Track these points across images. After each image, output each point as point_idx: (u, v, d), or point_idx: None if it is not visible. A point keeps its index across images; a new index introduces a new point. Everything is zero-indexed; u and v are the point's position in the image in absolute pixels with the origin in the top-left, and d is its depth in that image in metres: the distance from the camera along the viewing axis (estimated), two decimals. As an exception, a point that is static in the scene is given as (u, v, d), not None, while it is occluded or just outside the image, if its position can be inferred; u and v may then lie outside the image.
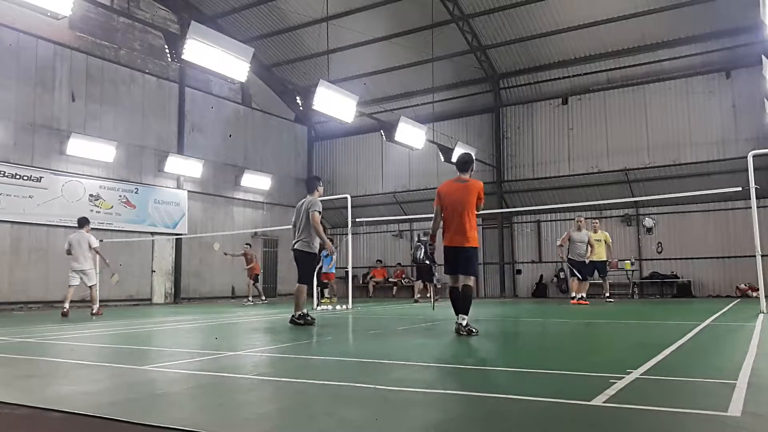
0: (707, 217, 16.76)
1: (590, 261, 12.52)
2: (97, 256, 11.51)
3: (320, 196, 8.19)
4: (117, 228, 16.23)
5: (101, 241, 15.07)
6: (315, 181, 8.27)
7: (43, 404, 2.88)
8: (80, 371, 4.19)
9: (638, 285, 17.33)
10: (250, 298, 16.39)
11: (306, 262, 7.95)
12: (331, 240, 8.72)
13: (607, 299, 13.36)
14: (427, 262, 17.54)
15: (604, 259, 12.86)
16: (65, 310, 10.84)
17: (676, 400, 2.89)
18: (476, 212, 6.58)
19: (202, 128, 19.10)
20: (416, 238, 17.88)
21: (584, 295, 12.72)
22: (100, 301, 14.56)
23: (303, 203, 7.99)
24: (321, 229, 7.87)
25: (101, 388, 3.52)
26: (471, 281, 6.46)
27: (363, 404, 2.94)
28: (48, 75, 15.09)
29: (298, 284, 7.80)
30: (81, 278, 11.17)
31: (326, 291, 15.39)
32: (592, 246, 12.49)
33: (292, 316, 7.70)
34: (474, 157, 6.81)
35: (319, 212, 7.88)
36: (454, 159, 15.65)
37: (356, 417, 2.68)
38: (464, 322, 6.14)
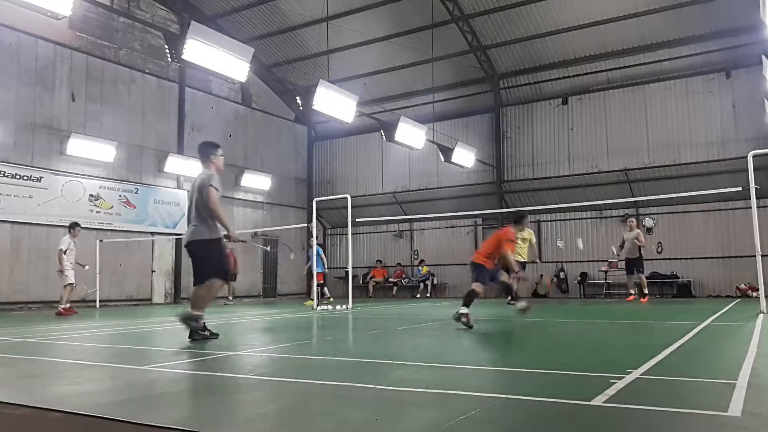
0: (707, 217, 16.75)
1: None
2: (64, 257, 11.57)
3: (218, 169, 6.26)
4: (117, 228, 16.23)
5: (101, 241, 15.16)
6: (210, 148, 6.31)
7: (43, 404, 2.88)
8: (80, 371, 4.19)
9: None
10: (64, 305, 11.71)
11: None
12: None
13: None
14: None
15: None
16: (61, 309, 11.27)
17: (676, 400, 2.89)
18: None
19: (202, 128, 19.10)
20: None
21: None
22: (100, 300, 14.68)
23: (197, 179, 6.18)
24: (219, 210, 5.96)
25: (101, 388, 3.52)
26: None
27: (363, 404, 2.94)
28: (48, 75, 15.08)
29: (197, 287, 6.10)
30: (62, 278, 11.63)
31: (326, 289, 15.27)
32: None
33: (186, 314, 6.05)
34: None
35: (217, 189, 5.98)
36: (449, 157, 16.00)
37: (356, 417, 2.68)
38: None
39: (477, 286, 7.15)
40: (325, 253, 18.33)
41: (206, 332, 5.96)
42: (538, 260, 13.49)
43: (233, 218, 19.97)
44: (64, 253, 11.48)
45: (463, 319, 6.78)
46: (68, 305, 11.56)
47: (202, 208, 5.91)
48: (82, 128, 15.62)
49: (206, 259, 5.95)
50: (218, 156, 6.23)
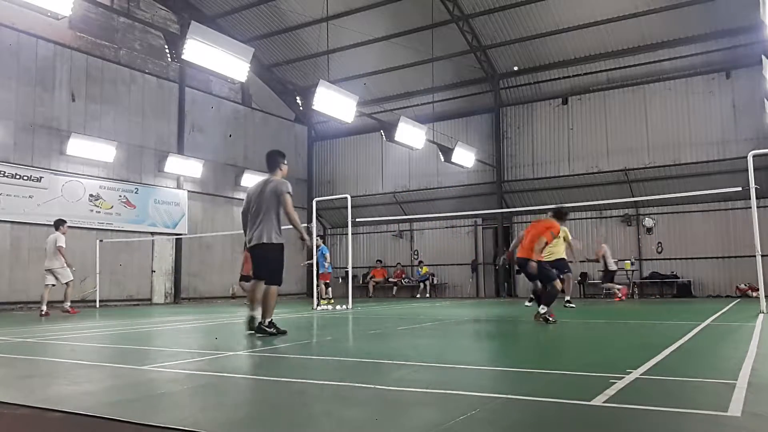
0: (707, 217, 16.75)
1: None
2: (60, 255, 11.53)
3: (284, 176, 6.70)
4: (117, 228, 16.23)
5: (101, 241, 15.16)
6: (279, 157, 6.72)
7: (43, 404, 2.88)
8: (80, 371, 4.19)
9: (638, 285, 17.32)
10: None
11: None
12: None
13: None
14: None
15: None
16: (42, 311, 11.09)
17: (676, 400, 2.89)
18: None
19: (202, 128, 19.10)
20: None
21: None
22: (100, 300, 14.68)
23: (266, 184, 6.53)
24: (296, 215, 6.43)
25: (101, 388, 3.52)
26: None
27: (363, 404, 2.94)
28: (48, 75, 15.08)
29: (269, 286, 6.35)
30: (56, 277, 11.44)
31: (329, 290, 15.30)
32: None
33: (260, 323, 6.32)
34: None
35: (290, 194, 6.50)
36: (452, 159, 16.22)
37: (356, 417, 2.68)
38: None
39: (558, 283, 7.76)
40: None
41: (272, 329, 6.20)
42: (573, 259, 12.11)
43: (233, 218, 19.98)
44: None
45: (551, 319, 7.35)
46: (57, 305, 11.52)
47: (273, 212, 6.26)
48: (82, 128, 15.62)
49: (271, 262, 6.26)
50: (284, 164, 6.69)
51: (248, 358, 4.85)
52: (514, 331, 7.33)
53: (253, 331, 6.23)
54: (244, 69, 11.37)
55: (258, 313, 6.26)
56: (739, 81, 16.29)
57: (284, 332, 6.36)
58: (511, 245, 8.53)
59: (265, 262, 6.33)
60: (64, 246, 11.47)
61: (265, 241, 6.24)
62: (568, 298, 11.42)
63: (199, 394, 3.32)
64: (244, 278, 14.85)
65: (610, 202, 16.63)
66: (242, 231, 6.67)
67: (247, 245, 6.43)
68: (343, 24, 17.78)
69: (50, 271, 11.46)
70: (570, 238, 11.54)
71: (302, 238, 6.41)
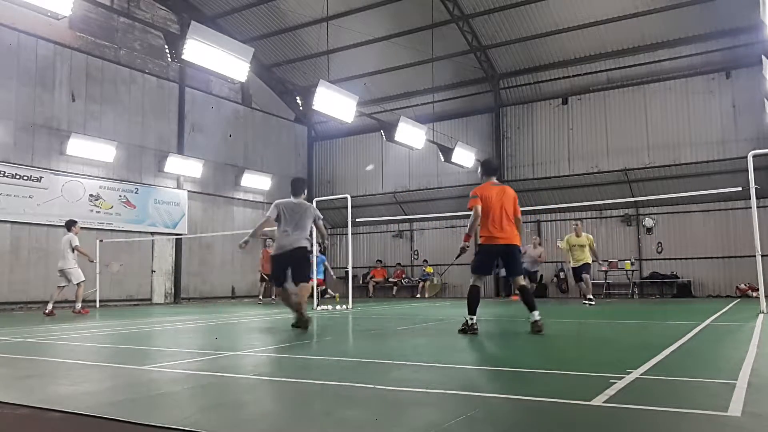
0: (707, 217, 16.75)
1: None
2: (80, 254, 11.62)
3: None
4: (117, 228, 16.23)
5: (101, 241, 15.15)
6: (305, 185, 7.82)
7: (43, 404, 2.88)
8: (80, 371, 4.19)
9: (638, 285, 17.32)
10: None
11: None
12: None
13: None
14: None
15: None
16: (47, 310, 11.08)
17: (676, 400, 2.89)
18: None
19: (202, 128, 19.10)
20: None
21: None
22: (100, 300, 14.68)
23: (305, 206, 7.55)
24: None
25: (101, 388, 3.52)
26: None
27: (363, 404, 2.94)
28: (48, 75, 15.08)
29: (305, 284, 7.37)
30: (66, 278, 11.47)
31: (331, 292, 15.68)
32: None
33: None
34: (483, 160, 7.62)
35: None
36: (463, 160, 16.28)
37: (356, 417, 2.69)
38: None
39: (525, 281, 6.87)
40: (325, 253, 18.40)
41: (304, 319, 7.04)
42: (598, 261, 13.83)
43: (233, 218, 20.00)
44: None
45: (538, 327, 6.11)
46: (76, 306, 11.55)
47: (307, 226, 7.37)
48: (82, 128, 15.62)
49: (305, 264, 7.45)
50: (305, 191, 7.75)
51: (248, 358, 4.85)
52: (513, 330, 7.33)
53: (300, 327, 6.96)
54: (244, 69, 11.36)
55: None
56: (739, 81, 16.29)
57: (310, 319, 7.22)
58: (474, 226, 6.82)
59: (301, 264, 7.33)
60: (79, 245, 11.56)
61: (305, 245, 7.30)
62: (590, 296, 12.62)
63: (199, 394, 3.32)
64: (264, 278, 15.83)
65: (610, 202, 16.64)
66: (251, 231, 7.66)
67: (283, 249, 7.16)
68: (343, 24, 17.78)
69: (62, 271, 11.48)
70: (593, 242, 12.73)
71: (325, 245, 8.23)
